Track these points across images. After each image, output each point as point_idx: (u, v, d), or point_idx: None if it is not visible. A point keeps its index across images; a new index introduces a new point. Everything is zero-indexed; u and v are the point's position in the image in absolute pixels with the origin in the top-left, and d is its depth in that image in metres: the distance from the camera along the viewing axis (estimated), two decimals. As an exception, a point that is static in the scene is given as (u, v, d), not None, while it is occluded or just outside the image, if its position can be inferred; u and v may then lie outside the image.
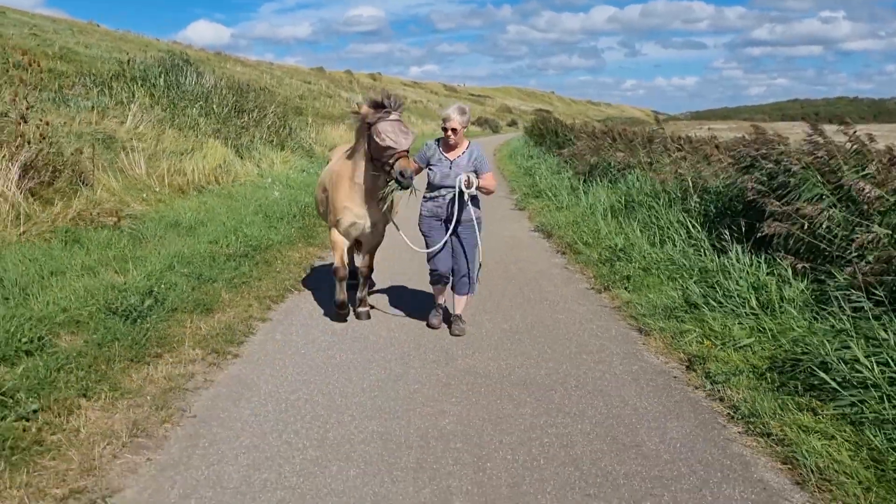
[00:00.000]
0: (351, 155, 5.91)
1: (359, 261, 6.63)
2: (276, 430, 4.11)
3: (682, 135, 17.91)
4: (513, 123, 79.06)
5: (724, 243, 7.35)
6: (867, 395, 4.08)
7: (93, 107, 13.94)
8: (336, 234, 6.07)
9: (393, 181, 5.47)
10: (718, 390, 4.77)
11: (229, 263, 7.57)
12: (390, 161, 5.38)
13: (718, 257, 7.09)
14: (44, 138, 8.62)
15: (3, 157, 8.12)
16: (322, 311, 6.54)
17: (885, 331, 4.48)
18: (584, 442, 4.09)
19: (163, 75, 17.83)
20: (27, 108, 8.85)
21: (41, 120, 8.99)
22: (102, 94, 15.21)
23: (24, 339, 4.71)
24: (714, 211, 8.77)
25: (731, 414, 4.47)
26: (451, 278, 6.10)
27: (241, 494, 3.42)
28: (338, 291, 6.19)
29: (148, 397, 4.40)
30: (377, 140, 5.38)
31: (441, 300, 6.27)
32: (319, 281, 7.60)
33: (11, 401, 3.96)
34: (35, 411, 3.94)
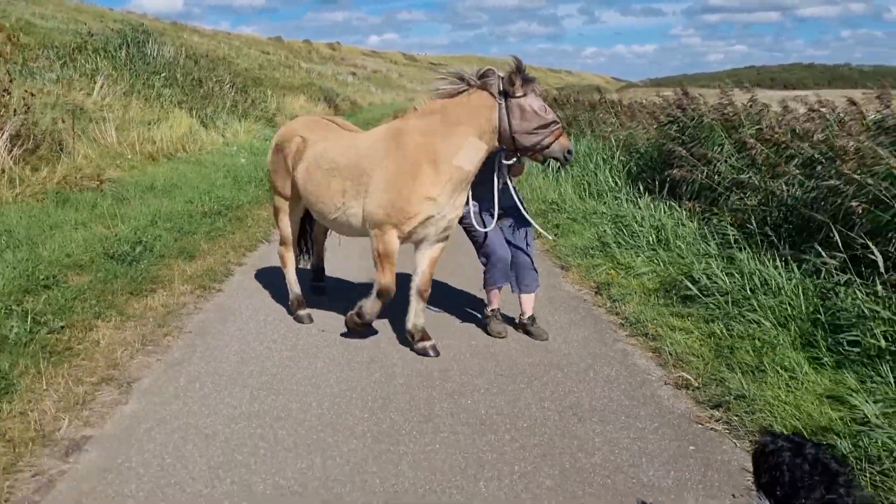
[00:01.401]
0: (437, 132, 4.66)
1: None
2: (257, 340, 5.15)
3: (627, 101, 19.13)
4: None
5: (639, 194, 8.51)
6: (721, 300, 5.25)
7: (58, 79, 14.47)
8: (394, 239, 4.77)
9: (553, 160, 4.85)
10: (616, 307, 5.92)
11: (205, 219, 8.53)
12: (544, 141, 4.57)
13: (633, 206, 8.25)
14: (28, 109, 9.38)
15: (-8, 127, 8.89)
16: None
17: (741, 251, 5.67)
18: (501, 343, 5.20)
19: (124, 47, 18.35)
20: (10, 81, 9.59)
21: (26, 91, 9.73)
22: (66, 67, 15.70)
23: (41, 277, 5.66)
24: (636, 168, 9.93)
25: (622, 323, 5.62)
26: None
27: (234, 380, 4.45)
28: (372, 308, 4.99)
29: (150, 319, 5.40)
30: (536, 114, 4.54)
31: (496, 303, 5.43)
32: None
33: (42, 320, 4.92)
34: (62, 328, 4.92)
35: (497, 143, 4.70)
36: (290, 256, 5.75)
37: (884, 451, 3.28)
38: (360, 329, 5.10)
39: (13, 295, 5.23)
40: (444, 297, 6.16)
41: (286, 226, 5.67)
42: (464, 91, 4.69)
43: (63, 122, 10.35)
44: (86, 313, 5.24)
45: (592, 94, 24.34)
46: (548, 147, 4.61)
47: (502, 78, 4.58)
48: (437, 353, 4.94)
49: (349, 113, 32.03)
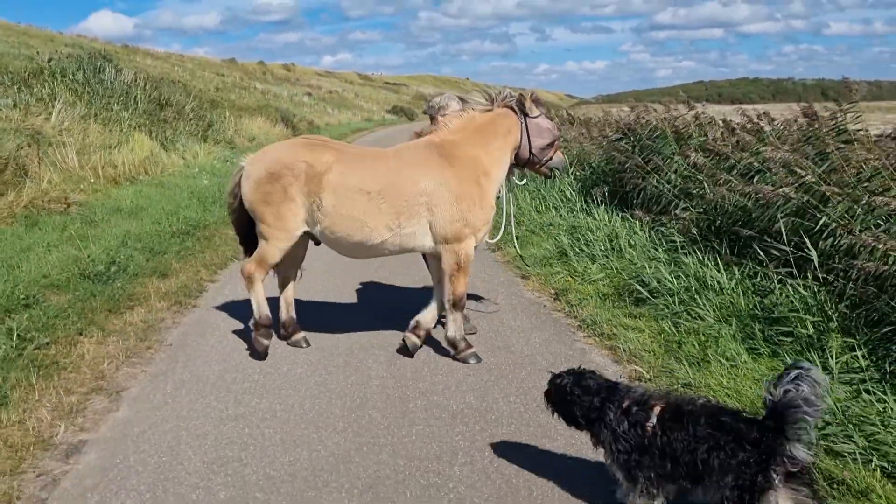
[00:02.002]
0: (477, 146, 5.08)
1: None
2: (236, 350, 5.41)
3: (580, 117, 19.86)
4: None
5: (592, 205, 8.98)
6: (668, 300, 5.69)
7: (14, 104, 14.46)
8: (472, 245, 5.10)
9: (550, 172, 5.50)
10: (574, 311, 6.32)
11: (174, 240, 8.74)
12: (550, 154, 5.29)
13: (587, 216, 8.70)
14: (-8, 135, 9.49)
15: (-43, 153, 8.99)
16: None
17: (687, 256, 6.13)
18: (469, 347, 5.54)
19: (81, 71, 18.38)
20: (-26, 108, 9.69)
21: (-11, 118, 9.84)
22: (22, 92, 15.67)
23: (21, 297, 5.84)
24: (590, 181, 10.42)
25: (580, 325, 6.01)
26: None
27: (218, 386, 4.71)
28: (458, 326, 5.21)
29: (131, 334, 5.62)
30: (550, 131, 5.25)
31: None
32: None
33: (28, 337, 5.12)
34: (47, 343, 5.13)
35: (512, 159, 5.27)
36: (259, 276, 5.26)
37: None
38: (470, 349, 5.20)
39: (-4, 314, 5.42)
40: (409, 302, 6.48)
41: (275, 254, 5.15)
42: (489, 110, 5.21)
43: (29, 146, 10.45)
44: (68, 330, 5.44)
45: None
46: (551, 160, 5.34)
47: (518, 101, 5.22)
48: (479, 360, 5.18)
49: (307, 133, 32.22)
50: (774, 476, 2.59)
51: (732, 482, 2.68)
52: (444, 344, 5.31)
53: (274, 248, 5.12)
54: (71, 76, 17.62)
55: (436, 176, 4.94)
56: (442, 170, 4.96)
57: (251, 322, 5.36)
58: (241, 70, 63.83)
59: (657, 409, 2.94)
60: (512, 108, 5.23)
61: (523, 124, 5.19)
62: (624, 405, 3.02)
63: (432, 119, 5.83)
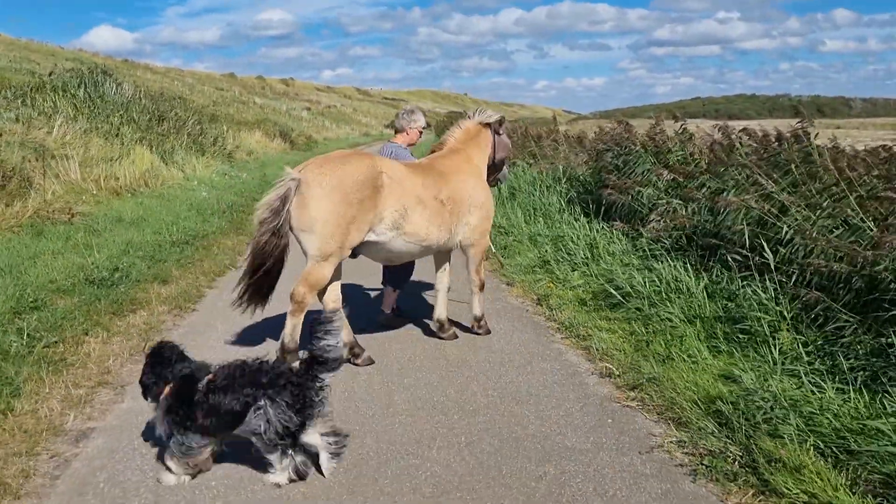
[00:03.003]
0: (478, 157, 6.06)
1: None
2: (233, 348, 5.75)
3: (574, 133, 20.31)
4: (426, 126, 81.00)
5: (576, 217, 9.36)
6: (640, 304, 6.04)
7: (17, 118, 14.84)
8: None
9: (500, 180, 6.63)
10: (553, 315, 6.67)
11: (174, 248, 9.09)
12: (503, 166, 6.42)
13: (570, 227, 9.07)
14: (-1, 148, 9.87)
15: (-35, 165, 9.36)
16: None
17: (658, 263, 6.50)
18: (453, 347, 5.89)
19: (82, 86, 18.79)
20: (-19, 122, 10.07)
21: (-4, 132, 10.21)
22: (25, 105, 16.05)
23: (30, 300, 6.19)
24: (576, 194, 10.81)
25: (559, 328, 6.37)
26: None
27: (216, 382, 5.04)
28: (482, 306, 6.22)
29: (134, 334, 5.97)
30: (508, 147, 6.43)
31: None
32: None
33: (37, 336, 5.46)
34: (55, 342, 5.47)
35: None
36: (310, 302, 5.17)
37: (757, 409, 4.05)
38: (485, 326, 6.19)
39: (6, 315, 5.76)
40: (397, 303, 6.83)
41: (329, 273, 5.10)
42: (474, 125, 6.17)
43: (35, 160, 10.82)
44: (75, 330, 5.79)
45: (541, 126, 25.55)
46: (502, 170, 6.49)
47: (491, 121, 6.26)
48: (489, 331, 6.19)
49: (305, 148, 32.67)
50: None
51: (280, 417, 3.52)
52: (466, 322, 6.30)
53: (330, 265, 5.05)
54: (72, 91, 18.02)
55: (472, 181, 5.83)
56: (475, 176, 5.92)
57: (279, 346, 5.27)
58: (240, 84, 64.47)
59: (208, 377, 3.66)
60: (488, 125, 6.20)
61: (494, 140, 6.22)
62: (180, 374, 3.68)
63: (397, 130, 6.47)
